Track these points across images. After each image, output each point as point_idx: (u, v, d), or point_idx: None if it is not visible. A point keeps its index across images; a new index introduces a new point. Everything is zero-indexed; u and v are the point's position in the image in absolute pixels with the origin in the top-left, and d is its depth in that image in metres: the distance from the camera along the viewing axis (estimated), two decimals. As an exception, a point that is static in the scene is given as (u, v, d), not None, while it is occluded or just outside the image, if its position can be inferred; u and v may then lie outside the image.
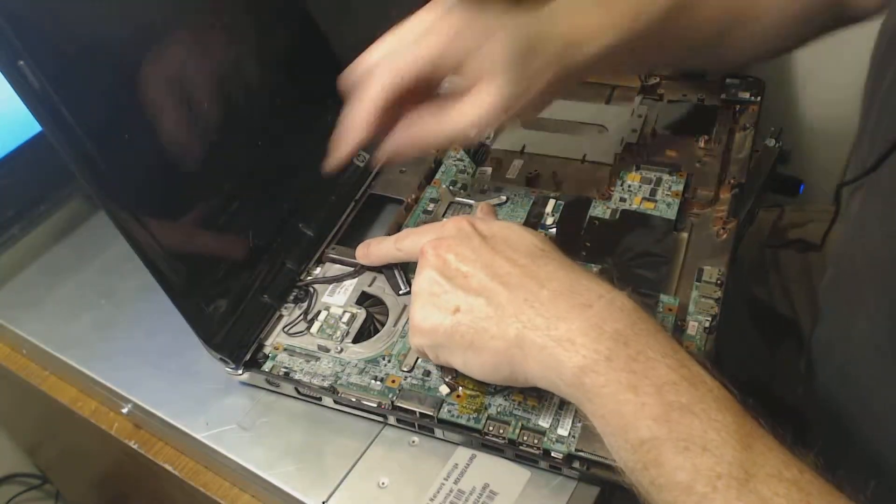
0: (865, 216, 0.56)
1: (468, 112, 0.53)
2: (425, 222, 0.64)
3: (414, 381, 0.53)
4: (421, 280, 0.49)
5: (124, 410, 0.59)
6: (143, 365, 0.60)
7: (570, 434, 0.48)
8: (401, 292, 0.58)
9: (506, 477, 0.50)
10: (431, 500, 0.49)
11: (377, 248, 0.58)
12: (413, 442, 0.53)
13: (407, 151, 0.55)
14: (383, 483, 0.50)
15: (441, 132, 0.54)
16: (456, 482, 0.49)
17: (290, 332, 0.57)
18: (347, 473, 0.51)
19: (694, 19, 0.58)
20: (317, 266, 0.62)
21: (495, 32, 0.51)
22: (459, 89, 0.53)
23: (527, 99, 0.53)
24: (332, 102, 0.63)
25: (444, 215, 0.64)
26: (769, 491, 0.37)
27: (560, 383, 0.43)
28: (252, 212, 0.55)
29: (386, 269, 0.59)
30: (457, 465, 0.50)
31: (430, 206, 0.65)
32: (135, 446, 0.60)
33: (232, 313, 0.55)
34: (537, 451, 0.48)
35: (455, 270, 0.48)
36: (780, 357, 0.79)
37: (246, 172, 0.58)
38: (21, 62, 0.43)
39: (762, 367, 0.80)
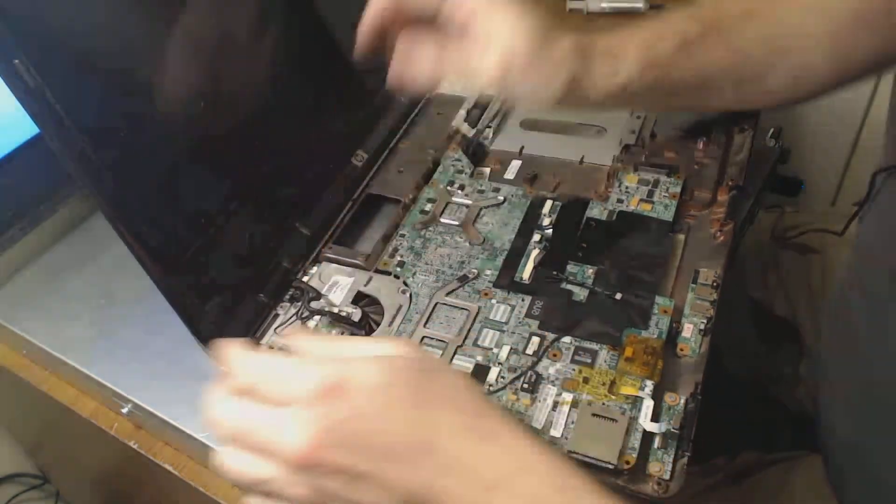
0: None
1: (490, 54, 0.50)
2: (423, 222, 0.64)
3: (410, 382, 0.53)
4: None
5: (124, 410, 0.59)
6: (143, 365, 0.60)
7: (563, 435, 0.49)
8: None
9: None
10: (427, 500, 0.49)
11: None
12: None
13: (423, 80, 0.54)
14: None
15: (461, 69, 0.52)
16: (452, 482, 0.49)
17: (285, 331, 0.58)
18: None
19: (711, 54, 0.56)
20: (313, 265, 0.62)
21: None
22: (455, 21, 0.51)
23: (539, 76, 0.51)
24: (329, 102, 0.63)
25: (441, 215, 0.65)
26: None
27: None
28: (249, 210, 0.55)
29: None
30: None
31: (428, 206, 0.65)
32: (135, 446, 0.60)
33: (227, 312, 0.56)
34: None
35: None
36: (780, 358, 0.80)
37: (243, 171, 0.58)
38: (16, 61, 0.43)
39: (762, 368, 0.80)
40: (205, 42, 0.56)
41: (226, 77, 0.58)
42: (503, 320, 0.56)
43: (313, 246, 0.63)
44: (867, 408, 0.58)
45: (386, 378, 0.39)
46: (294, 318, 0.58)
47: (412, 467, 0.38)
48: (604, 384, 0.51)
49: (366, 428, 0.38)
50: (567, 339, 0.54)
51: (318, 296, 0.58)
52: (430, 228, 0.64)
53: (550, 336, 0.54)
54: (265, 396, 0.40)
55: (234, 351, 0.42)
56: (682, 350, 0.53)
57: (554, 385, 0.51)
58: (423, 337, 0.56)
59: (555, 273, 0.58)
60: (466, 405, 0.40)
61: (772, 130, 0.71)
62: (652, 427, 0.48)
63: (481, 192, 0.67)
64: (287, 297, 0.60)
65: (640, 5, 0.88)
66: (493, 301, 0.57)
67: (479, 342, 0.55)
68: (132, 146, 0.50)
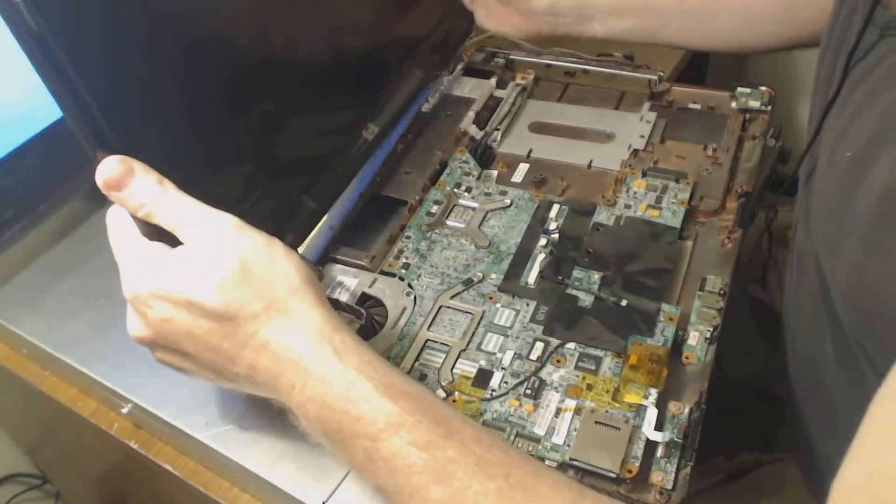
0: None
1: None
2: (429, 224, 0.64)
3: (411, 386, 0.52)
4: None
5: (124, 410, 0.59)
6: (143, 365, 0.59)
7: (565, 442, 0.48)
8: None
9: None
10: None
11: None
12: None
13: None
14: (382, 485, 0.50)
15: None
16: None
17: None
18: (347, 473, 0.51)
19: None
20: (319, 265, 0.61)
21: None
22: None
23: None
24: (341, 77, 0.62)
25: (447, 217, 0.64)
26: None
27: None
28: (262, 183, 0.54)
29: None
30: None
31: (434, 208, 0.65)
32: (135, 446, 0.60)
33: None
34: (533, 459, 0.48)
35: None
36: (780, 356, 0.79)
37: (258, 143, 0.56)
38: (18, 0, 0.40)
39: (763, 367, 0.80)
40: (227, 14, 0.55)
41: (244, 50, 0.56)
42: (507, 325, 0.56)
43: (317, 219, 0.61)
44: (803, 393, 0.58)
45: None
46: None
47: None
48: (607, 391, 0.50)
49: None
50: (571, 345, 0.53)
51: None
52: (436, 230, 0.63)
53: (555, 342, 0.54)
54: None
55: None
56: (687, 358, 0.52)
57: (557, 391, 0.51)
58: (427, 340, 0.55)
59: (560, 278, 0.58)
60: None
61: (772, 130, 0.71)
62: (655, 436, 0.47)
63: (488, 194, 0.66)
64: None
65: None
66: (498, 305, 0.57)
67: (482, 346, 0.54)
68: (146, 114, 0.48)
